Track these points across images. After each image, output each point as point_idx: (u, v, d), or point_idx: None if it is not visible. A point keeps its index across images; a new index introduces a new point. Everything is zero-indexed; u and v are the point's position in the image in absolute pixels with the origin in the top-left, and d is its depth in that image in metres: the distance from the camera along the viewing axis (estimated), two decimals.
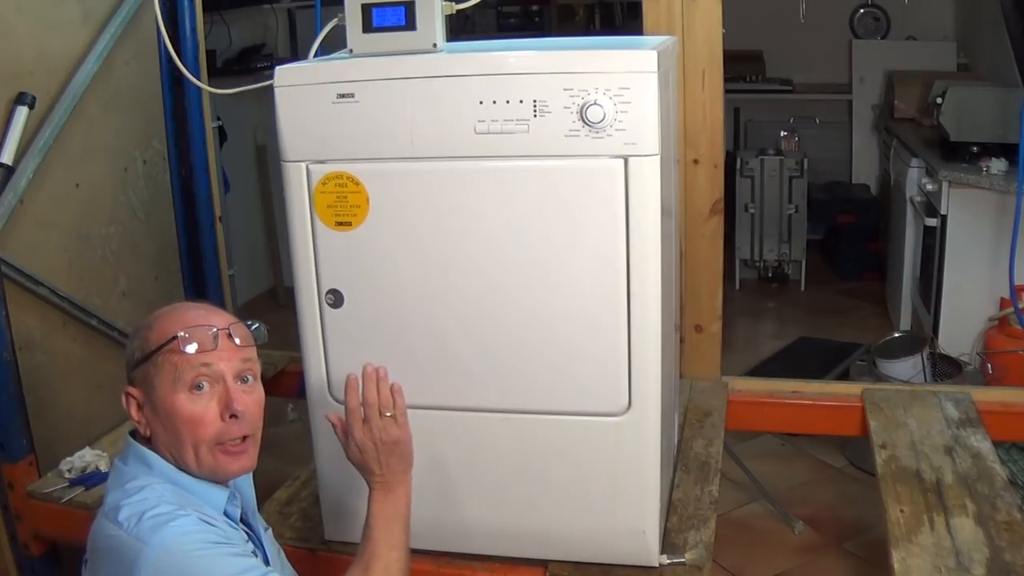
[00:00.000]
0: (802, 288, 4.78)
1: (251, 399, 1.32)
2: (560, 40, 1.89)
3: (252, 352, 1.34)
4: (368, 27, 1.56)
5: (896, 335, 3.46)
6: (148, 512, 1.21)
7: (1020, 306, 2.87)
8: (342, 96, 1.52)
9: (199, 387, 1.28)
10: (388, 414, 1.46)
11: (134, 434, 1.35)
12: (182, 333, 1.28)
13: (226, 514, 1.33)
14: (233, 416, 1.29)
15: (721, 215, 2.39)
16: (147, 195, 2.82)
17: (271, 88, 1.55)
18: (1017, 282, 2.82)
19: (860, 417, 2.33)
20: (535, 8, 5.58)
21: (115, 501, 1.24)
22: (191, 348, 1.27)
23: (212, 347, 1.29)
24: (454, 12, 1.67)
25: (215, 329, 1.30)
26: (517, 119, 1.47)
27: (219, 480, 1.33)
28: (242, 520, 1.38)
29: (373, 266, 1.58)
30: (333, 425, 1.50)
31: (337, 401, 1.67)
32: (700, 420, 2.24)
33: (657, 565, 1.65)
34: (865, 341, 3.69)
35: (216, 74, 3.44)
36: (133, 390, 1.32)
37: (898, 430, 2.18)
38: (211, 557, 1.20)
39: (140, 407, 1.31)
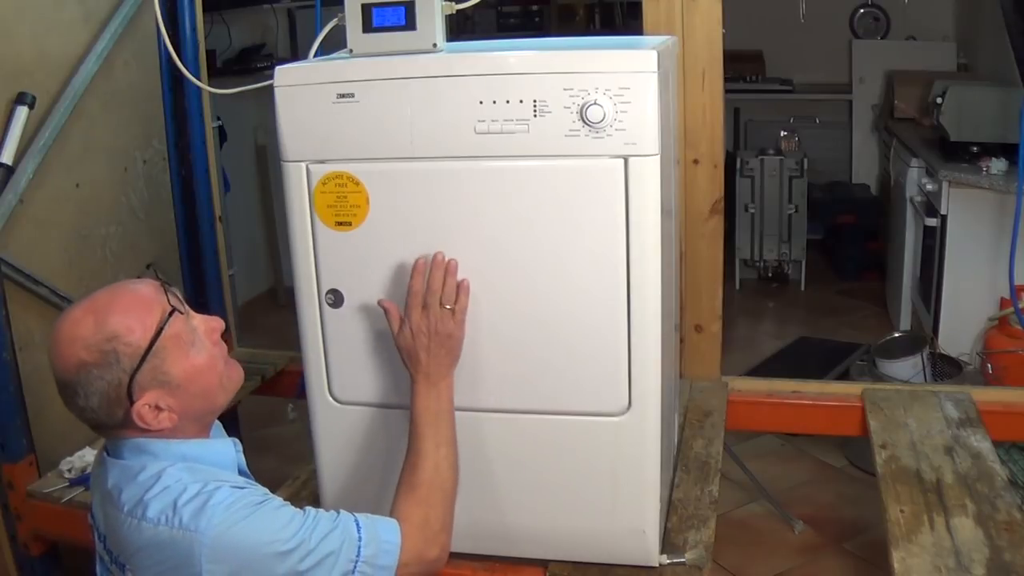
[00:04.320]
0: (802, 288, 4.78)
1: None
2: (560, 40, 1.89)
3: None
4: (368, 27, 1.55)
5: (896, 335, 3.46)
6: (180, 499, 1.17)
7: (1020, 306, 2.87)
8: (342, 96, 1.51)
9: (196, 336, 1.28)
10: (448, 307, 1.48)
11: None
12: (174, 301, 1.26)
13: (240, 471, 1.33)
14: (220, 335, 1.33)
15: (721, 215, 2.39)
16: (147, 195, 2.82)
17: (271, 88, 1.55)
18: (1017, 282, 2.82)
19: (860, 417, 2.33)
20: (535, 8, 5.58)
21: (134, 497, 1.20)
22: (184, 311, 1.28)
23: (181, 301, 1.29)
24: (454, 12, 1.67)
25: (162, 286, 1.28)
26: (517, 119, 1.47)
27: (224, 407, 1.34)
28: None
29: (373, 266, 1.58)
30: (386, 311, 1.52)
31: (337, 401, 1.68)
32: (700, 420, 2.24)
33: (657, 565, 1.64)
34: (865, 341, 3.69)
35: (216, 74, 3.43)
36: (146, 397, 1.22)
37: (898, 430, 2.18)
38: (261, 517, 1.20)
39: (159, 407, 1.23)
